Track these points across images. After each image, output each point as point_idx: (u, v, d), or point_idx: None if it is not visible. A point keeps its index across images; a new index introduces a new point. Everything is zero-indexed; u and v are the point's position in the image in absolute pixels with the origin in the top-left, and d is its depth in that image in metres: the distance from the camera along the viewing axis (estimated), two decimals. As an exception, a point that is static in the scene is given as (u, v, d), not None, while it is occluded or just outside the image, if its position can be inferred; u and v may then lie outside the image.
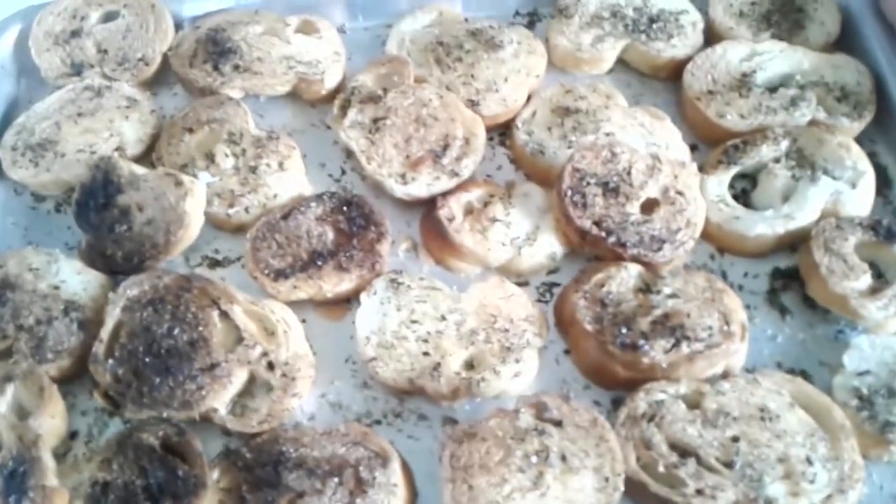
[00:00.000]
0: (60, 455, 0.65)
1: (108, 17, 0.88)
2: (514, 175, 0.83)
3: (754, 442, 0.63)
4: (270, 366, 0.67)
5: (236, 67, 0.83)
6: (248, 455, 0.63)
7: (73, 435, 0.68)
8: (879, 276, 0.72)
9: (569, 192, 0.74)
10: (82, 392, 0.69)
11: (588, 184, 0.74)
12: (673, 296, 0.70)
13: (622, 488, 0.61)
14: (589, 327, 0.68)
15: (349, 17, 0.93)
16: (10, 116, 0.84)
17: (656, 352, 0.66)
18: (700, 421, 0.64)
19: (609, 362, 0.68)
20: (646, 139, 0.80)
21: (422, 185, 0.77)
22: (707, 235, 0.76)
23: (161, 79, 0.88)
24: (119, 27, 0.87)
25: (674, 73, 0.87)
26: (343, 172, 0.83)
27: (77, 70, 0.85)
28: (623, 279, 0.71)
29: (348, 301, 0.75)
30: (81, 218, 0.75)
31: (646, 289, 0.71)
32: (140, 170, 0.76)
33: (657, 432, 0.64)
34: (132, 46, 0.86)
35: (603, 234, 0.72)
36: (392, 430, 0.68)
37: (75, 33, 0.86)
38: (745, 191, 0.80)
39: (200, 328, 0.67)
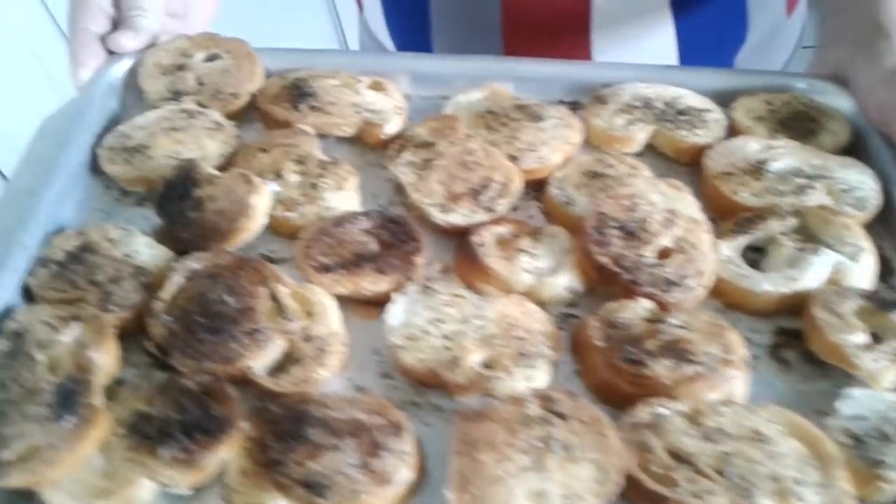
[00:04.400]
0: (107, 398, 0.71)
1: (211, 58, 1.03)
2: (544, 224, 0.91)
3: (748, 458, 0.67)
4: (307, 339, 0.74)
5: (312, 107, 0.96)
6: (276, 410, 0.69)
7: (120, 382, 0.74)
8: (877, 342, 0.78)
9: (592, 231, 0.82)
10: (134, 348, 0.76)
11: (609, 226, 0.83)
12: (679, 326, 0.76)
13: (621, 482, 0.65)
14: (598, 343, 0.75)
15: (414, 87, 1.06)
16: (110, 127, 0.97)
17: (661, 368, 0.72)
18: (697, 434, 0.69)
19: (615, 378, 0.73)
20: (666, 205, 0.89)
21: (459, 216, 0.86)
22: (717, 291, 0.83)
23: (245, 116, 1.01)
24: (218, 67, 1.01)
25: (695, 158, 0.97)
26: (391, 203, 0.93)
27: (176, 96, 0.98)
28: (635, 310, 0.78)
29: (381, 305, 0.82)
30: (161, 207, 0.85)
31: (655, 319, 0.77)
32: (217, 173, 0.87)
33: (656, 439, 0.68)
34: (227, 83, 0.99)
35: (619, 270, 0.80)
36: (409, 416, 0.73)
37: (180, 67, 1.00)
38: (755, 262, 0.87)
39: (249, 300, 0.75)
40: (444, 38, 1.31)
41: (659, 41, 1.24)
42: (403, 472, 0.66)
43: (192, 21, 1.13)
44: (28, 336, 0.70)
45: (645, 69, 1.07)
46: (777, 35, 1.34)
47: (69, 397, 0.66)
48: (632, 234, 0.82)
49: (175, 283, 0.76)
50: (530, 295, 0.82)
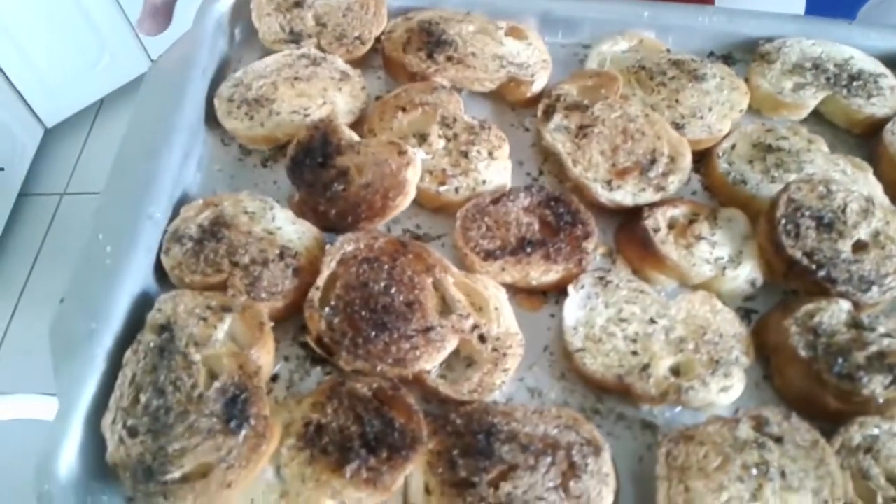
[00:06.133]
0: (262, 394, 0.64)
1: (329, -7, 0.92)
2: (709, 202, 0.83)
3: (977, 490, 0.61)
4: (482, 339, 0.67)
5: (450, 59, 0.85)
6: (459, 421, 0.62)
7: (273, 378, 0.67)
8: None
9: (782, 221, 0.74)
10: (284, 338, 0.69)
11: (802, 215, 0.74)
12: (887, 335, 0.69)
13: (841, 514, 0.59)
14: (803, 353, 0.67)
15: (548, 32, 0.95)
16: (222, 71, 0.87)
17: (875, 385, 0.65)
18: (918, 461, 0.63)
19: (820, 392, 0.66)
20: (850, 185, 0.80)
21: (627, 194, 0.78)
22: (906, 288, 0.76)
23: (366, 61, 0.90)
24: (340, 5, 0.90)
25: (869, 129, 0.87)
26: (540, 173, 0.83)
27: (295, 38, 0.87)
28: (834, 312, 0.70)
29: (545, 294, 0.74)
30: (295, 173, 0.76)
31: (858, 325, 0.70)
32: (357, 137, 0.78)
33: (874, 465, 0.62)
34: (351, 25, 0.88)
35: (813, 266, 0.72)
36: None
37: (297, 4, 0.89)
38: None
39: (416, 291, 0.67)
40: None
41: None
42: (605, 496, 0.60)
43: None
44: (178, 331, 0.63)
45: (806, 22, 0.96)
46: None
47: (238, 407, 0.59)
48: (828, 225, 0.74)
49: (330, 268, 0.68)
50: (708, 287, 0.75)
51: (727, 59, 0.95)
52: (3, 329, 2.29)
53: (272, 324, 0.65)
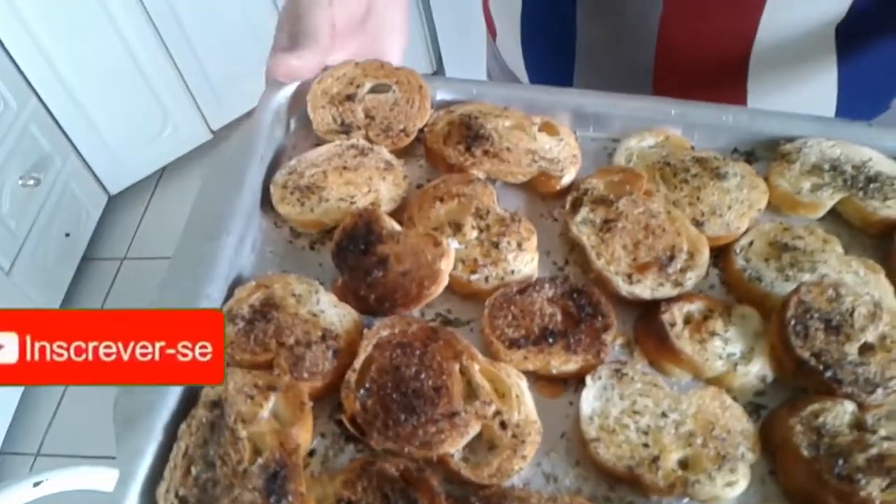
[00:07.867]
0: (299, 468, 0.71)
1: (378, 88, 0.99)
2: (725, 296, 0.88)
3: None
4: (503, 425, 0.72)
5: (486, 152, 0.92)
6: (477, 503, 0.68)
7: (310, 453, 0.73)
8: None
9: (792, 322, 0.78)
10: (322, 416, 0.75)
11: (811, 317, 0.79)
12: (888, 438, 0.72)
13: None
14: (805, 453, 0.71)
15: (580, 126, 1.01)
16: (277, 158, 0.95)
17: (872, 488, 0.69)
18: (914, 566, 0.66)
19: (821, 491, 0.70)
20: (859, 288, 0.84)
21: (646, 288, 0.83)
22: (912, 390, 0.79)
23: (409, 150, 0.98)
24: (388, 99, 0.98)
25: (884, 230, 0.91)
26: (566, 262, 0.89)
27: (345, 129, 0.95)
28: (839, 413, 0.74)
29: (564, 382, 0.80)
30: (339, 258, 0.83)
31: (860, 427, 0.74)
32: (398, 226, 0.85)
33: (871, 568, 0.66)
34: (397, 118, 0.96)
35: (820, 367, 0.76)
36: (601, 512, 0.72)
37: (349, 97, 0.97)
38: (947, 355, 0.83)
39: (444, 377, 0.73)
40: (587, 76, 1.23)
41: (819, 87, 1.16)
42: (610, 584, 0.64)
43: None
44: (228, 407, 0.70)
45: (827, 123, 1.01)
46: None
47: (278, 483, 0.65)
48: (836, 328, 0.78)
49: (366, 351, 0.75)
50: (720, 381, 0.79)
51: (749, 156, 1.00)
52: (62, 391, 2.40)
53: (311, 403, 0.72)
